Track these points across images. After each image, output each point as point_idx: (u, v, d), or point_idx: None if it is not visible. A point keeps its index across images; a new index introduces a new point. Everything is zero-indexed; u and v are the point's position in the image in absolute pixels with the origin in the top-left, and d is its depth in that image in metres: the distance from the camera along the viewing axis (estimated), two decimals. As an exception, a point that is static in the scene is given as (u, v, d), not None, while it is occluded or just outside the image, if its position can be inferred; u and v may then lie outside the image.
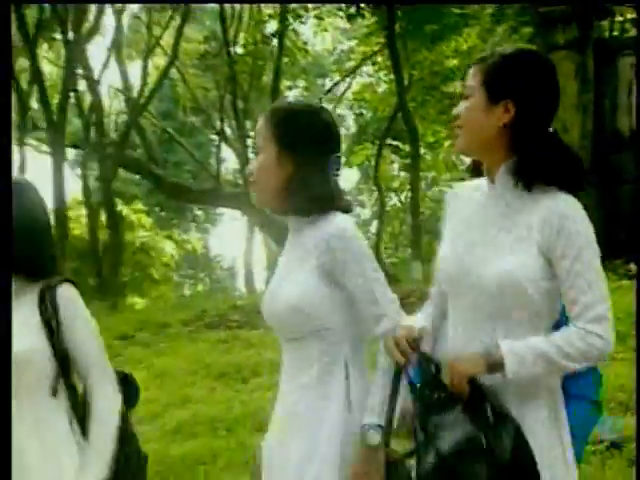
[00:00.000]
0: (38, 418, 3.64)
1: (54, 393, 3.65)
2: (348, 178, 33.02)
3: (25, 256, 3.72)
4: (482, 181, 3.44)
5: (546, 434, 3.27)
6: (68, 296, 3.70)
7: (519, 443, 3.18)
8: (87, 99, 21.09)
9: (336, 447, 3.47)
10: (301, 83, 30.54)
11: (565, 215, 3.21)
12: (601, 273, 3.21)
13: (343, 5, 21.05)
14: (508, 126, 3.30)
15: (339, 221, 3.53)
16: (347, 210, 3.61)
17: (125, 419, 3.78)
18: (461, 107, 3.37)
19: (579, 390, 3.62)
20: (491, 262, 3.29)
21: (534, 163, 3.30)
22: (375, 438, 3.43)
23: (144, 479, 3.92)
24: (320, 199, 3.57)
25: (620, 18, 20.02)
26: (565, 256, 3.18)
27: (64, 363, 3.67)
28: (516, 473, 3.16)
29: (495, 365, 3.16)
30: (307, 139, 3.58)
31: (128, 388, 3.87)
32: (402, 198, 32.11)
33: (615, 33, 19.15)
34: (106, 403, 3.70)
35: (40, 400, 3.65)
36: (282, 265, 3.69)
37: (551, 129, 3.37)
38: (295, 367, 3.59)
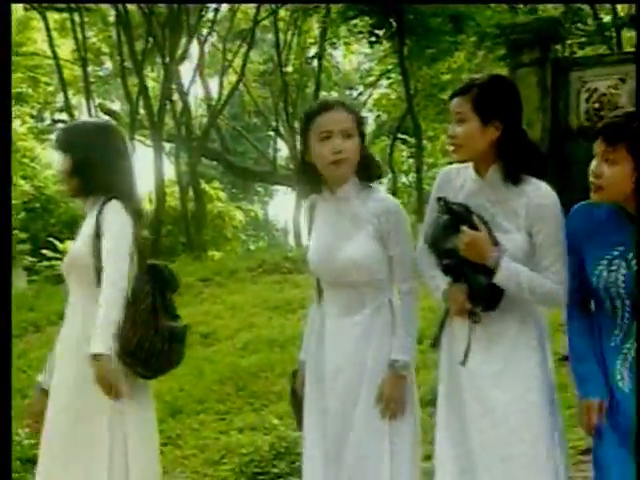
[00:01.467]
0: (84, 298, 3.70)
1: (98, 283, 3.62)
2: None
3: (101, 181, 3.76)
4: (462, 168, 3.48)
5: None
6: (109, 207, 3.67)
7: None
8: (179, 106, 21.04)
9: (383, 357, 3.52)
10: (334, 93, 30.35)
11: (542, 204, 3.28)
12: (562, 244, 3.29)
13: (366, 33, 20.82)
14: (496, 139, 3.31)
15: (393, 201, 3.62)
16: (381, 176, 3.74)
17: (155, 300, 3.71)
18: (457, 130, 3.34)
19: None
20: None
21: (519, 165, 3.33)
22: (404, 370, 3.52)
23: (181, 349, 3.81)
24: (376, 171, 3.67)
25: (569, 42, 19.84)
26: (539, 232, 3.26)
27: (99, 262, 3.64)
28: None
29: (496, 258, 3.26)
30: None
31: (163, 276, 3.81)
32: (409, 178, 31.94)
33: (566, 54, 18.95)
34: (103, 294, 3.55)
35: (87, 287, 3.68)
36: (333, 228, 3.59)
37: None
38: (348, 307, 3.56)
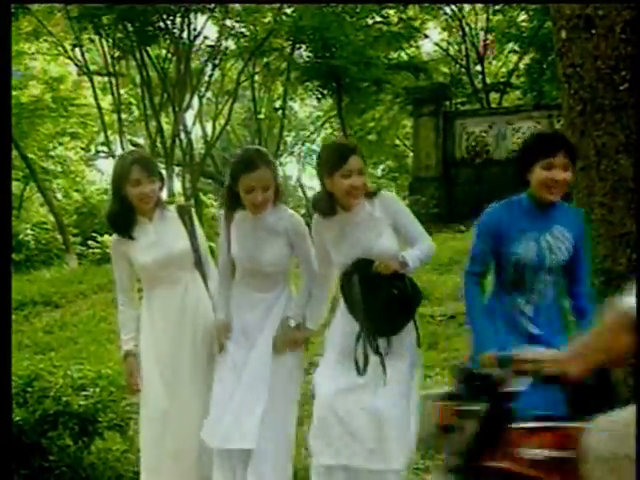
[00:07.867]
0: (192, 277, 3.73)
1: (196, 266, 3.73)
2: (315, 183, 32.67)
3: None
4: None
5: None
6: (196, 222, 3.84)
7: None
8: (185, 142, 20.81)
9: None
10: (293, 134, 30.28)
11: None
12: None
13: (315, 92, 20.62)
14: None
15: (299, 217, 3.58)
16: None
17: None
18: (361, 179, 3.29)
19: None
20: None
21: None
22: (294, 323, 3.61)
23: None
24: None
25: (454, 100, 19.96)
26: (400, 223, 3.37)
27: (198, 252, 3.75)
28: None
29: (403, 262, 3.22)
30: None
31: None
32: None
33: (452, 108, 19.09)
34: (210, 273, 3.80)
35: (190, 270, 3.73)
36: (254, 235, 3.58)
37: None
38: (265, 286, 3.61)
